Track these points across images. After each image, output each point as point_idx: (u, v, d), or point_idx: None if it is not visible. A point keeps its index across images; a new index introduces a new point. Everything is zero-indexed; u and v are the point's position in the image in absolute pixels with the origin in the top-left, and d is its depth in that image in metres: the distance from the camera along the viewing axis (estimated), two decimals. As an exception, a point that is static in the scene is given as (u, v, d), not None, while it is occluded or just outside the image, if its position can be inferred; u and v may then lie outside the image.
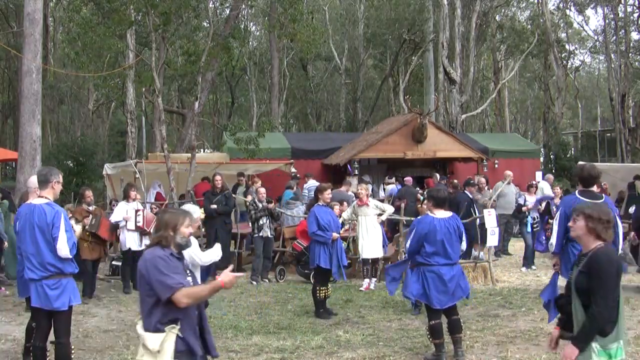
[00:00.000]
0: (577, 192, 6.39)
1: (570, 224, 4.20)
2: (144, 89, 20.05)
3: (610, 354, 3.82)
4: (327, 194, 8.98)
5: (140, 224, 10.24)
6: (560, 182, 21.86)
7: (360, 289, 10.38)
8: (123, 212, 10.23)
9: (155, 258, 3.88)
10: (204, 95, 20.22)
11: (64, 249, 5.32)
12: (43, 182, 5.52)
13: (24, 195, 5.73)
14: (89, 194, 9.74)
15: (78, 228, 9.28)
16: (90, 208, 9.63)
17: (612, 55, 31.97)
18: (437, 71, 27.98)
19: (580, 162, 7.60)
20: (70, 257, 5.41)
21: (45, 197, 5.47)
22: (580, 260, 4.01)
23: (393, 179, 17.23)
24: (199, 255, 6.39)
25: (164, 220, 4.05)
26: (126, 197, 10.49)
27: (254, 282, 10.94)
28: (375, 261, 10.64)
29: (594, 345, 3.82)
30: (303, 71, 38.91)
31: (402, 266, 7.11)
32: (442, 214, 6.51)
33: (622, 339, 3.86)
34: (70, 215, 8.66)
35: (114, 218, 10.12)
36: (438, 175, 17.16)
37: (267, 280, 11.23)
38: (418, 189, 15.24)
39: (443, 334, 6.50)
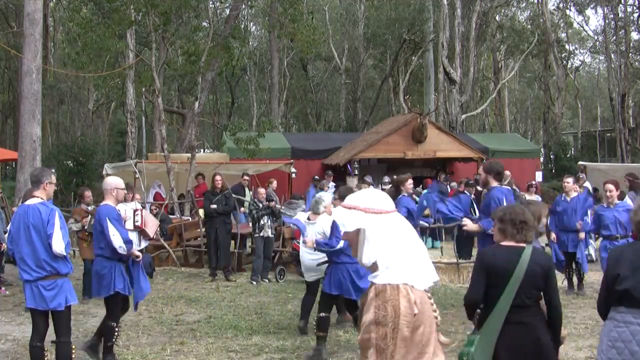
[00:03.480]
0: None
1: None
2: (144, 89, 20.05)
3: (465, 342, 4.02)
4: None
5: (138, 224, 10.23)
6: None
7: (360, 289, 10.38)
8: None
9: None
10: (204, 95, 20.24)
11: (58, 245, 5.33)
12: (35, 183, 5.60)
13: (27, 194, 5.75)
14: (88, 194, 9.76)
15: (78, 226, 9.32)
16: (89, 208, 9.63)
17: (612, 55, 31.95)
18: (437, 71, 27.98)
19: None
20: (65, 254, 5.42)
21: (39, 197, 5.52)
22: None
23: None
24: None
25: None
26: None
27: (254, 282, 10.93)
28: (375, 261, 10.62)
29: (468, 333, 4.15)
30: (303, 71, 38.90)
31: None
32: None
33: (483, 336, 3.91)
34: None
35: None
36: (443, 176, 17.22)
37: (267, 280, 11.21)
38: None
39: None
